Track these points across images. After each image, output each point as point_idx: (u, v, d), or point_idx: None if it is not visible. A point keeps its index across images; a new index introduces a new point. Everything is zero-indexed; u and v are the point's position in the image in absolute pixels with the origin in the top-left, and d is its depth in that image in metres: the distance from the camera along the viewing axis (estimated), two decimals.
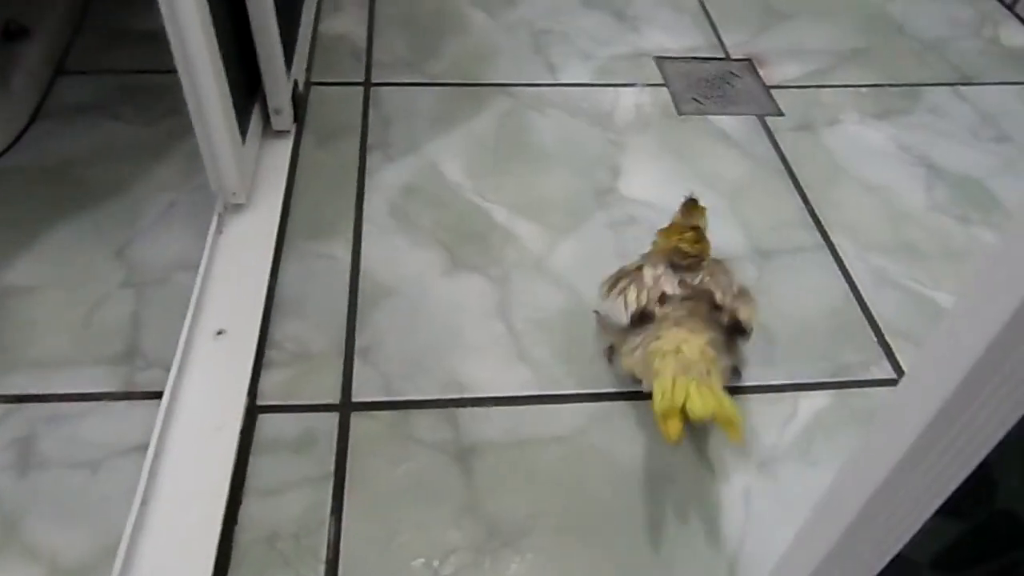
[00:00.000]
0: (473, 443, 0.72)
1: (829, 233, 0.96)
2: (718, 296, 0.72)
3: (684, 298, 0.71)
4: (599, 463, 0.72)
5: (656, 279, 0.73)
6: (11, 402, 0.72)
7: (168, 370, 0.73)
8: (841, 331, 0.86)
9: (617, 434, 0.74)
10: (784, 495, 0.71)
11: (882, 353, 0.84)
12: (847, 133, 1.11)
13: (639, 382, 0.72)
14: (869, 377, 0.82)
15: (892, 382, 0.81)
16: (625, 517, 0.69)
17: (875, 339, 0.85)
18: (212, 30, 0.74)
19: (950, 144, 1.11)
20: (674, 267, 0.75)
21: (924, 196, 1.03)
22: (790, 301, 0.88)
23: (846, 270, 0.92)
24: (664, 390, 0.65)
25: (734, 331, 0.72)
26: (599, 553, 0.66)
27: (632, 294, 0.72)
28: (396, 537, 0.66)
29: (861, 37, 1.30)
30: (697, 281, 0.73)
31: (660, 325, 0.70)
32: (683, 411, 0.64)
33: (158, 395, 0.71)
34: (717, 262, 0.77)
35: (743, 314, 0.72)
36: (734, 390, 0.78)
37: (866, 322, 0.87)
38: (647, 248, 0.85)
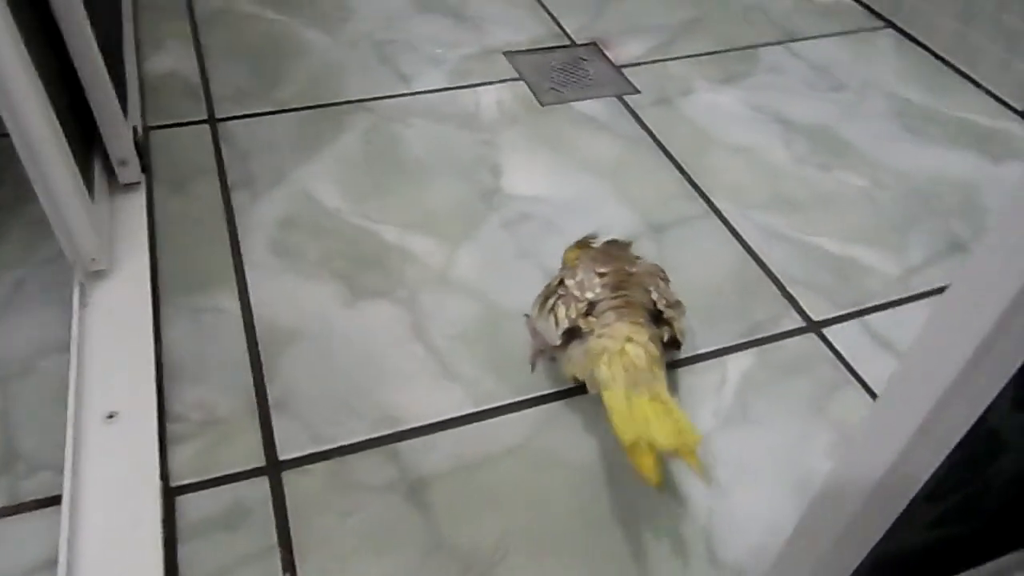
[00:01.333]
0: (421, 477, 0.68)
1: (712, 199, 0.98)
2: (657, 300, 0.70)
3: (616, 287, 0.70)
4: (555, 467, 0.69)
5: (580, 286, 0.70)
6: None
7: (59, 470, 0.64)
8: (746, 291, 0.87)
9: (566, 434, 0.72)
10: (738, 458, 0.71)
11: (788, 304, 0.86)
12: (701, 101, 1.15)
13: (580, 383, 0.70)
14: (781, 329, 0.84)
15: (803, 330, 0.84)
16: (593, 517, 0.66)
17: (778, 292, 0.88)
18: (40, 84, 0.65)
19: (794, 99, 1.17)
20: (601, 260, 0.73)
21: (785, 151, 1.07)
22: (693, 271, 0.89)
23: (736, 232, 0.94)
24: (622, 418, 0.61)
25: (670, 345, 0.70)
26: (578, 560, 0.64)
27: (561, 311, 0.69)
28: None
29: (689, 8, 1.35)
30: (633, 270, 0.72)
31: (600, 317, 0.68)
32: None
33: (55, 500, 0.62)
34: (652, 264, 0.76)
35: (678, 325, 0.71)
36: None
37: (766, 278, 0.89)
38: (546, 243, 0.84)
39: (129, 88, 0.94)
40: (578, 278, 0.71)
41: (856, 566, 0.43)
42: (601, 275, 0.71)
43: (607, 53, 1.23)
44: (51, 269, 0.81)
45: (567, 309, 0.69)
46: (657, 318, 0.70)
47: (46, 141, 0.66)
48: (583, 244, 0.78)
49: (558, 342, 0.69)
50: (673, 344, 0.71)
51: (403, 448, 0.70)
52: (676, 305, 0.73)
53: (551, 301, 0.71)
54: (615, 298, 0.69)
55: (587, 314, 0.68)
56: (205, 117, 1.02)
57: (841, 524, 0.39)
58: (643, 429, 0.60)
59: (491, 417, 0.73)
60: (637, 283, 0.71)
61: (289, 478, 0.67)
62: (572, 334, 0.68)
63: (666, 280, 0.75)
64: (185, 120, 1.01)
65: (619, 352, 0.65)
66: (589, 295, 0.69)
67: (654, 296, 0.70)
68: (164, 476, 0.65)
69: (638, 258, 0.77)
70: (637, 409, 0.62)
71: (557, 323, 0.69)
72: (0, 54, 0.60)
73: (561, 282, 0.72)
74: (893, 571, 0.47)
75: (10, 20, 0.61)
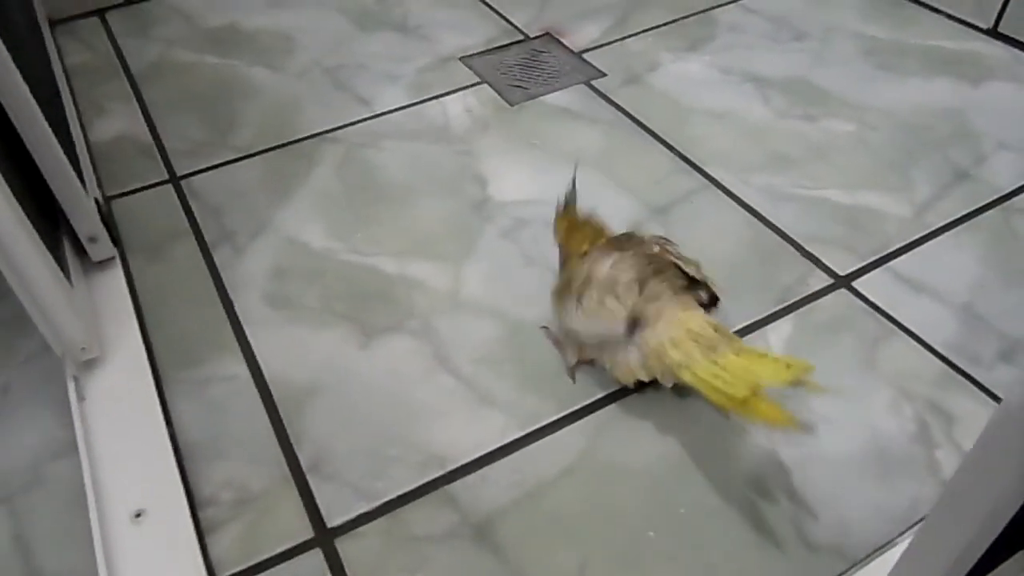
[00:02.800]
0: (484, 515, 0.63)
1: (706, 170, 0.95)
2: (684, 267, 0.67)
3: (647, 268, 0.66)
4: (618, 477, 0.65)
5: (613, 277, 0.66)
6: None
7: None
8: (766, 258, 0.84)
9: (622, 440, 0.68)
10: (804, 433, 0.68)
11: (811, 264, 0.83)
12: (670, 73, 1.12)
13: (639, 384, 0.66)
14: (812, 290, 0.81)
15: (833, 287, 0.81)
16: (670, 520, 0.62)
17: (798, 253, 0.85)
18: None
19: (760, 55, 1.14)
20: (614, 243, 0.70)
21: (765, 108, 1.05)
22: (707, 246, 0.84)
23: (739, 199, 0.91)
24: (723, 382, 0.58)
25: (710, 304, 0.67)
26: (667, 567, 0.60)
27: (611, 301, 0.65)
28: None
29: None
30: (654, 250, 0.68)
31: (644, 310, 0.64)
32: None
33: None
34: (651, 235, 0.72)
35: (712, 281, 0.68)
36: None
37: (782, 241, 0.86)
38: (549, 246, 0.79)
39: (82, 160, 0.88)
40: (609, 265, 0.67)
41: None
42: (627, 259, 0.67)
43: (563, 41, 1.19)
44: (36, 367, 0.75)
45: (620, 299, 0.64)
46: (691, 283, 0.67)
47: (13, 231, 0.60)
48: (569, 212, 0.75)
49: (622, 332, 0.64)
50: (713, 303, 0.68)
51: (456, 488, 0.65)
52: (698, 265, 0.70)
53: (588, 295, 0.67)
54: (655, 277, 0.65)
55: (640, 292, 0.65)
56: (166, 177, 0.96)
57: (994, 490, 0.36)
58: (751, 378, 0.57)
59: (540, 438, 0.68)
60: (660, 257, 0.68)
61: (343, 545, 0.62)
62: (636, 323, 0.64)
63: (672, 243, 0.72)
64: (146, 183, 0.95)
65: (684, 333, 0.62)
66: (627, 276, 0.66)
67: (681, 265, 0.67)
68: (210, 570, 0.60)
69: (632, 232, 0.73)
70: (732, 366, 0.59)
71: (613, 315, 0.65)
72: None
73: (587, 279, 0.68)
74: None
75: None
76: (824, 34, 1.18)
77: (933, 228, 0.87)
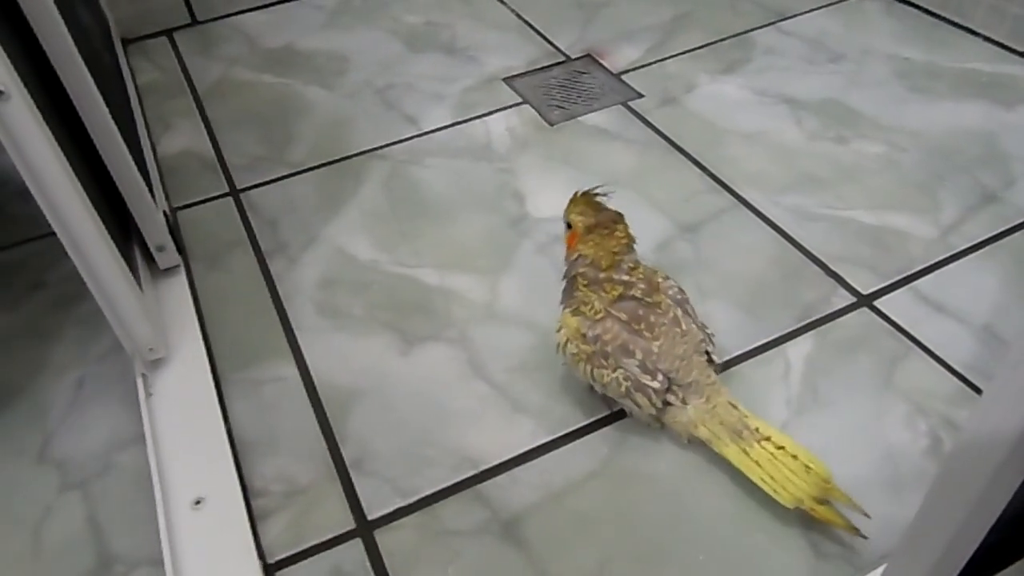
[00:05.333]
0: (512, 513, 0.68)
1: (737, 190, 0.98)
2: (702, 337, 0.71)
3: (671, 349, 0.69)
4: (640, 482, 0.70)
5: (644, 367, 0.68)
6: None
7: (156, 564, 0.64)
8: (790, 276, 0.88)
9: (644, 447, 0.72)
10: (818, 443, 0.71)
11: (834, 283, 0.86)
12: (706, 94, 1.15)
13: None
14: (834, 308, 0.84)
15: (855, 305, 0.84)
16: (688, 525, 0.66)
17: (822, 272, 0.88)
18: (79, 184, 0.66)
19: (796, 77, 1.17)
20: (625, 301, 0.70)
21: (797, 129, 1.08)
22: (734, 264, 0.89)
23: (767, 219, 0.94)
24: (763, 480, 0.65)
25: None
26: (684, 571, 0.64)
27: (643, 400, 0.68)
28: None
29: (676, 4, 1.36)
30: (665, 305, 0.71)
31: (681, 390, 0.69)
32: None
33: None
34: (654, 272, 0.73)
35: (713, 347, 0.72)
36: (726, 365, 0.79)
37: (807, 260, 0.89)
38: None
39: (151, 175, 0.95)
40: (638, 359, 0.68)
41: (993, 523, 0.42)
42: (651, 339, 0.68)
43: (603, 62, 1.24)
44: (108, 365, 0.82)
45: (649, 399, 0.68)
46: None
47: (93, 241, 0.67)
48: (587, 200, 0.74)
49: (654, 412, 0.69)
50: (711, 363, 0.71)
51: (488, 488, 0.70)
52: (702, 324, 0.73)
53: (609, 377, 0.69)
54: (678, 360, 0.69)
55: (668, 390, 0.68)
56: (227, 190, 1.03)
57: (984, 475, 0.39)
58: (793, 489, 0.64)
59: (567, 443, 0.73)
60: (676, 322, 0.70)
61: (382, 536, 0.67)
62: (662, 411, 0.69)
63: (676, 287, 0.73)
64: (208, 196, 1.02)
65: (710, 411, 0.68)
66: (660, 376, 0.68)
67: (698, 334, 0.71)
68: (261, 554, 0.65)
69: (639, 265, 0.72)
70: (765, 463, 0.65)
71: (639, 406, 0.69)
72: (40, 159, 0.61)
73: (590, 354, 0.70)
74: None
75: (45, 128, 0.61)
76: (859, 56, 1.20)
77: (958, 250, 0.89)
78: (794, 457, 0.64)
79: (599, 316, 0.69)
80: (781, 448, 0.65)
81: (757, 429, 0.66)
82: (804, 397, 0.75)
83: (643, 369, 0.68)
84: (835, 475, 0.65)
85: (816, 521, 0.64)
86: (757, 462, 0.65)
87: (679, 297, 0.72)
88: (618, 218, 0.73)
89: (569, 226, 0.75)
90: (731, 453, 0.66)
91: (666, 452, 0.72)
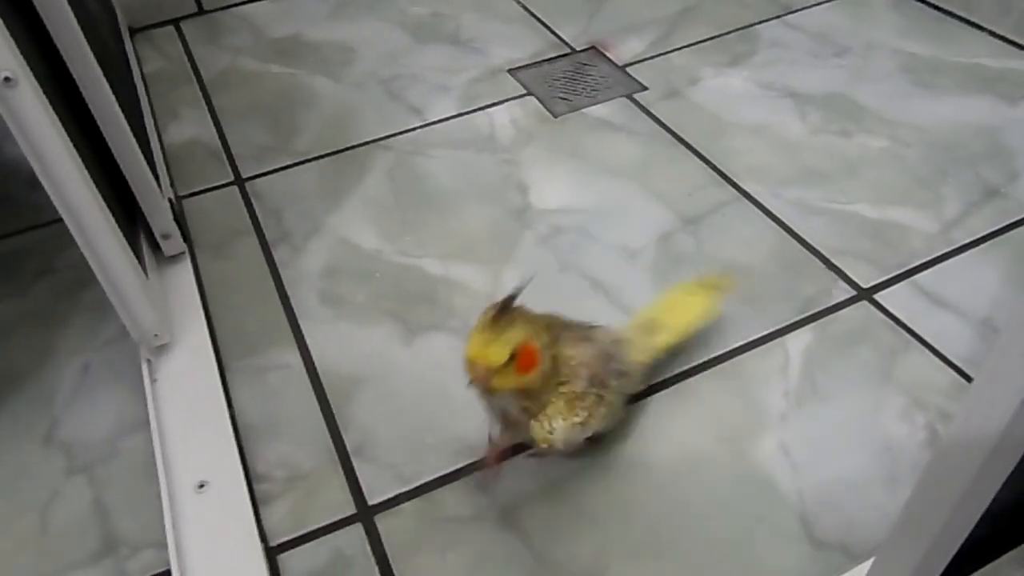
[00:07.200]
0: (510, 500, 0.69)
1: (739, 183, 0.99)
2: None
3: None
4: (637, 471, 0.70)
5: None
6: None
7: (160, 546, 0.65)
8: (791, 269, 0.88)
9: (643, 437, 0.73)
10: (816, 435, 0.72)
11: (835, 276, 0.87)
12: (710, 87, 1.15)
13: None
14: (834, 301, 0.84)
15: (855, 299, 0.84)
16: (684, 514, 0.67)
17: (823, 265, 0.88)
18: (86, 171, 0.67)
19: (800, 70, 1.17)
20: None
21: (801, 123, 1.08)
22: (735, 255, 0.89)
23: (769, 212, 0.95)
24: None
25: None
26: (680, 559, 0.64)
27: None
28: None
29: None
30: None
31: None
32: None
33: None
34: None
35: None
36: (725, 357, 0.79)
37: (808, 253, 0.90)
38: (585, 253, 0.83)
39: (158, 163, 0.96)
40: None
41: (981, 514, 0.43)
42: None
43: (608, 55, 1.24)
44: (114, 350, 0.82)
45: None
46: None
47: (100, 229, 0.68)
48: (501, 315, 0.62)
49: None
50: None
51: (487, 475, 0.71)
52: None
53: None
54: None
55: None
56: (232, 179, 1.04)
57: (969, 472, 0.39)
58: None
59: None
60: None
61: (382, 521, 0.68)
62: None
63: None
64: (213, 184, 1.03)
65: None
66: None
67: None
68: (263, 537, 0.66)
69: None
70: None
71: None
72: (47, 146, 0.62)
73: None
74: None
75: (52, 115, 0.62)
76: (864, 50, 1.20)
77: (959, 244, 0.89)
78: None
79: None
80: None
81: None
82: (803, 389, 0.76)
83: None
84: (832, 467, 0.66)
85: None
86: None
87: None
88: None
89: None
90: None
91: (662, 442, 0.72)
